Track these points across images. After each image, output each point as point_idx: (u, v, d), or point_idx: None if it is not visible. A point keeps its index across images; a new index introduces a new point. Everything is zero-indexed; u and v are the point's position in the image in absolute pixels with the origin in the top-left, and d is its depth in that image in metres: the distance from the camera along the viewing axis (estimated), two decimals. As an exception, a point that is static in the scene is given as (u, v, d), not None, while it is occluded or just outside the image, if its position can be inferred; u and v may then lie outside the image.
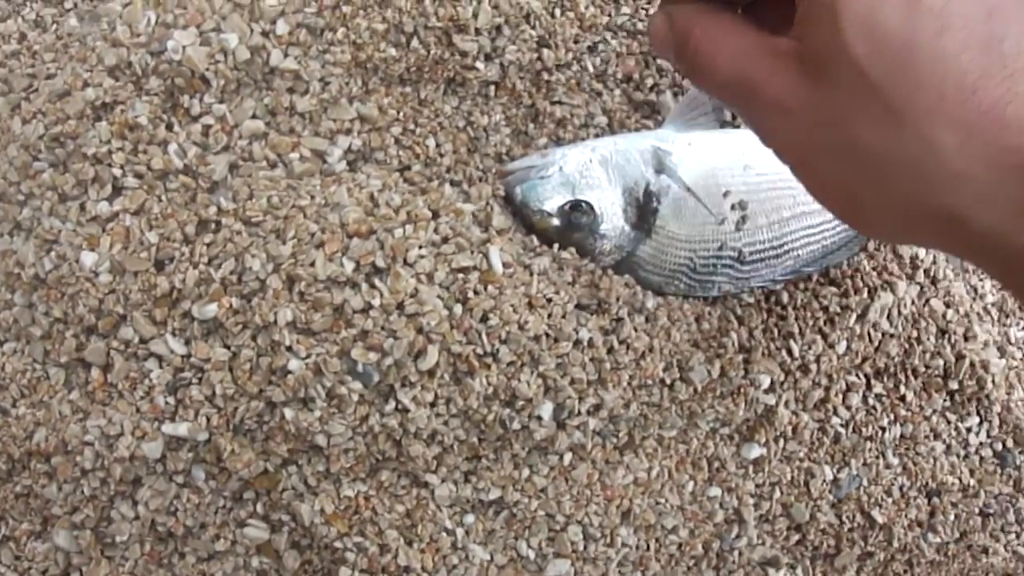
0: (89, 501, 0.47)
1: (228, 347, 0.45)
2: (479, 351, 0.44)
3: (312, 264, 0.44)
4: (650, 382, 0.48)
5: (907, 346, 0.54)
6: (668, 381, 0.48)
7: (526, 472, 0.48)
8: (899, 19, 0.31)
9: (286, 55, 0.48)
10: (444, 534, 0.47)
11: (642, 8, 0.55)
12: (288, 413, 0.44)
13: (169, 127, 0.48)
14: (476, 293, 0.44)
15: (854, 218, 0.38)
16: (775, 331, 0.51)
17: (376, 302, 0.43)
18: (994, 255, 0.33)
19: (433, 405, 0.44)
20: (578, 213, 0.48)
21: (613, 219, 0.49)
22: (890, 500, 0.54)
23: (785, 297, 0.53)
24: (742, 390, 0.50)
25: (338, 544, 0.46)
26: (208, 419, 0.45)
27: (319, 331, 0.44)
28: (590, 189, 0.48)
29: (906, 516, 0.54)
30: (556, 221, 0.48)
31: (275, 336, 0.44)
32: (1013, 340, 0.58)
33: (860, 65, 0.31)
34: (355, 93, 0.49)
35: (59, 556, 0.49)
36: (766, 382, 0.50)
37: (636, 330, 0.47)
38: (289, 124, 0.49)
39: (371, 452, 0.46)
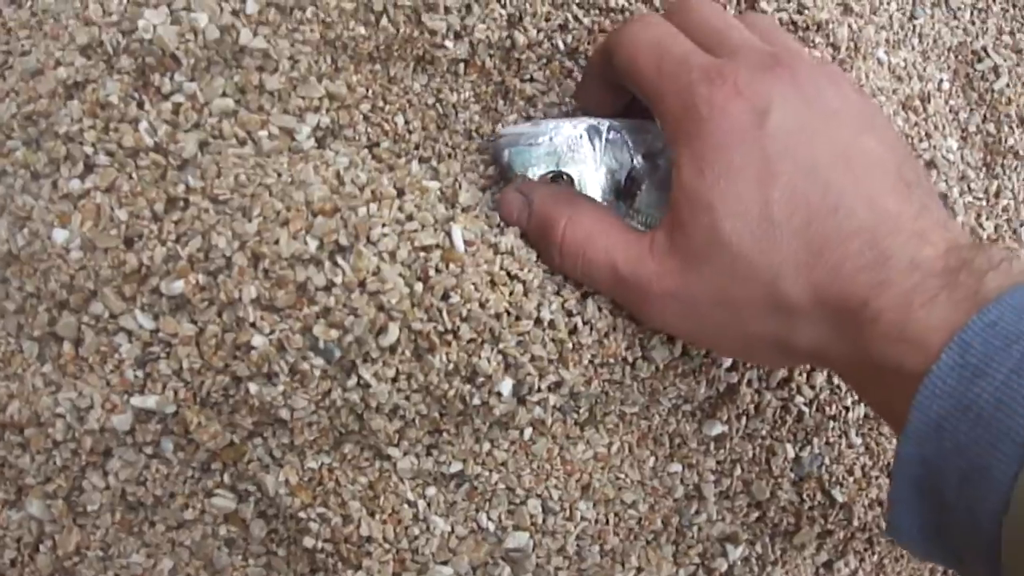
0: (61, 471, 0.48)
1: (195, 322, 0.46)
2: (440, 328, 0.44)
3: (277, 242, 0.45)
4: (612, 360, 0.48)
5: (873, 326, 0.54)
6: (630, 359, 0.49)
7: (487, 446, 0.49)
8: (760, 211, 0.40)
9: (255, 34, 0.49)
10: (406, 506, 0.48)
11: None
12: (252, 387, 0.45)
13: (140, 105, 0.48)
14: (438, 271, 0.45)
15: (746, 358, 0.50)
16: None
17: (339, 280, 0.44)
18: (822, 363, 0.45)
19: (394, 380, 0.45)
20: (558, 183, 0.49)
21: (592, 196, 0.49)
22: (851, 479, 0.55)
23: (750, 277, 0.53)
24: (704, 368, 0.51)
25: (302, 514, 0.47)
26: (176, 392, 0.46)
27: (282, 308, 0.44)
28: (574, 163, 0.49)
29: (867, 496, 0.55)
30: None
31: (240, 312, 0.44)
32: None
33: (737, 252, 0.40)
34: (324, 71, 0.50)
35: (32, 524, 0.50)
36: (728, 361, 0.51)
37: (600, 309, 0.48)
38: (258, 102, 0.49)
39: (334, 425, 0.46)
